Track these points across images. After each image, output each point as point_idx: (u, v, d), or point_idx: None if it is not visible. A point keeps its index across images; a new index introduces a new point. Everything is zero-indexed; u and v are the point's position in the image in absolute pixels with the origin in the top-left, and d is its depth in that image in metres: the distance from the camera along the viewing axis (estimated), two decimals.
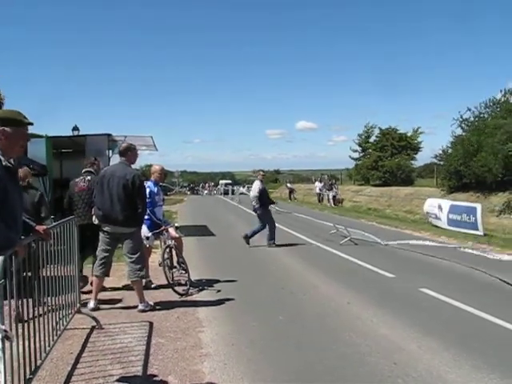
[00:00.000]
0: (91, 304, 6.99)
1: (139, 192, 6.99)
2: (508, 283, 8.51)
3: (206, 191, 68.18)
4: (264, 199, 13.85)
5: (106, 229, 7.02)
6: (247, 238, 13.63)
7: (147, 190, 8.06)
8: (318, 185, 37.82)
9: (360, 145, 45.36)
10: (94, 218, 7.33)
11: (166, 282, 8.32)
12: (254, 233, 13.80)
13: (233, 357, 5.28)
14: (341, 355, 5.32)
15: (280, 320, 6.63)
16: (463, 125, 24.86)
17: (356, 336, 5.95)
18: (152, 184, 8.44)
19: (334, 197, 33.67)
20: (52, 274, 5.06)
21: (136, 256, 6.99)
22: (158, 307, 7.11)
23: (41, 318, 4.46)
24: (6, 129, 3.73)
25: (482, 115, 24.12)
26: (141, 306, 7.00)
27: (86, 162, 8.67)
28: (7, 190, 3.64)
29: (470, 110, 24.51)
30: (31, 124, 3.95)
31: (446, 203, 18.36)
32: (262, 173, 14.47)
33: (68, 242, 5.68)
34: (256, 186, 14.01)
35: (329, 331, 6.16)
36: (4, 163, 3.65)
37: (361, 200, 32.60)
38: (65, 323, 5.48)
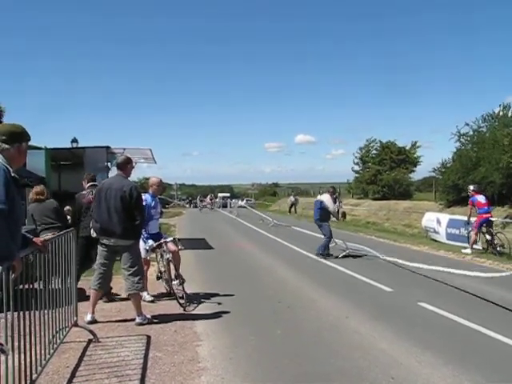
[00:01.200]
0: (88, 317, 6.95)
1: (137, 204, 6.98)
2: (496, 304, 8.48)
3: (204, 203, 53.76)
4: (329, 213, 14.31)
5: (103, 241, 7.00)
6: (321, 254, 13.78)
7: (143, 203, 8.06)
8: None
9: (361, 158, 45.55)
10: (91, 231, 7.31)
11: (163, 295, 8.33)
12: (325, 246, 13.95)
13: (230, 371, 5.25)
14: (339, 369, 5.29)
15: (277, 334, 6.60)
16: (462, 139, 24.95)
17: (354, 350, 5.93)
18: (149, 197, 8.42)
19: (338, 210, 32.57)
20: (49, 286, 5.05)
21: (134, 269, 6.97)
22: (155, 320, 7.08)
23: (37, 332, 4.44)
24: (23, 144, 3.83)
25: (480, 129, 24.20)
26: (138, 319, 6.96)
27: (87, 176, 8.94)
28: (15, 201, 3.67)
29: (467, 124, 24.62)
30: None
31: (445, 217, 18.34)
32: (331, 189, 14.92)
33: (66, 254, 5.67)
34: (329, 198, 14.38)
35: (327, 345, 6.13)
36: (13, 174, 3.69)
37: (359, 214, 32.64)
38: (61, 336, 5.45)
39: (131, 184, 7.15)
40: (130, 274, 6.96)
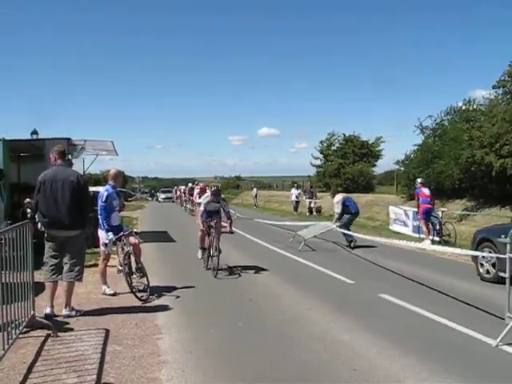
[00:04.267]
0: (47, 310, 6.85)
1: (84, 192, 6.90)
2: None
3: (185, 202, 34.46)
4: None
5: (52, 234, 6.88)
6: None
7: (104, 194, 7.99)
8: (294, 192, 32.70)
9: (322, 152, 45.76)
10: (39, 225, 7.06)
11: (123, 289, 8.24)
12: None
13: (191, 364, 5.21)
14: (300, 362, 5.29)
15: (239, 327, 6.58)
16: (424, 132, 25.24)
17: (316, 342, 5.94)
18: (110, 188, 8.29)
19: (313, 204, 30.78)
20: (4, 280, 4.93)
21: (76, 259, 6.90)
22: (84, 311, 7.06)
23: None
24: None
25: (442, 122, 24.54)
26: (66, 311, 6.91)
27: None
28: None
29: (430, 116, 24.91)
30: None
31: (410, 210, 18.62)
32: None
33: (22, 247, 5.54)
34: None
35: (288, 338, 6.13)
36: None
37: (323, 206, 32.74)
38: (17, 331, 5.33)
39: (76, 173, 7.08)
40: (71, 263, 6.88)
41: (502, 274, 6.84)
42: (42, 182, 6.89)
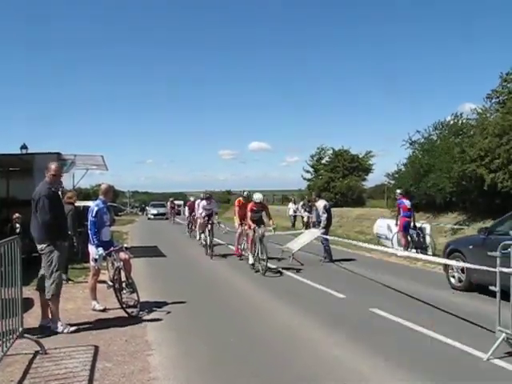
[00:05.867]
0: (41, 322, 6.98)
1: (37, 206, 6.87)
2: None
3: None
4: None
5: None
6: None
7: (94, 209, 7.96)
8: (291, 206, 32.08)
9: (312, 166, 45.84)
10: None
11: (113, 304, 8.18)
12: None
13: (182, 381, 5.16)
14: (293, 378, 5.25)
15: (230, 342, 6.53)
16: (413, 146, 25.44)
17: (308, 358, 5.90)
18: (100, 202, 8.25)
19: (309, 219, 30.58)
20: None
21: (49, 273, 6.85)
22: (72, 329, 6.95)
23: None
24: None
25: (431, 136, 24.74)
26: (52, 326, 6.89)
27: None
28: None
29: (419, 132, 25.16)
30: None
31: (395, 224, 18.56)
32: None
33: (10, 263, 5.49)
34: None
35: (280, 354, 6.08)
36: None
37: (313, 220, 32.73)
38: (5, 349, 5.26)
39: (40, 188, 7.03)
40: (47, 278, 6.87)
41: (492, 288, 6.87)
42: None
